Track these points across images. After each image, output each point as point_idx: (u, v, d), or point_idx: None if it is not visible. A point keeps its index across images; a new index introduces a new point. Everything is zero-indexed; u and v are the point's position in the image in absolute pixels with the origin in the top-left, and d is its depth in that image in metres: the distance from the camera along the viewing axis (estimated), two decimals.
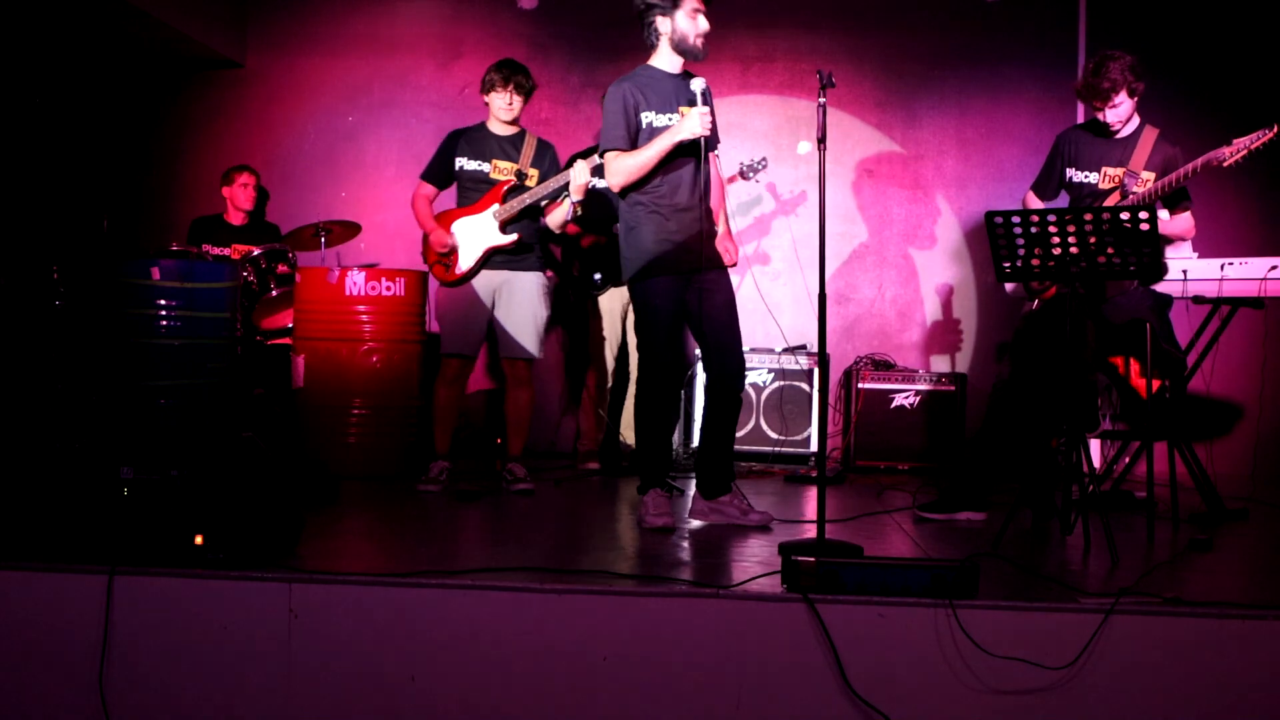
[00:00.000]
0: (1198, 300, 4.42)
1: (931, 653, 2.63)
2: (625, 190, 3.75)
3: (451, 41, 6.29)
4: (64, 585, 2.79)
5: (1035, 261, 3.40)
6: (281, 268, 5.34)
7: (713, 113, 3.84)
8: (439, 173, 4.60)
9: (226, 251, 5.61)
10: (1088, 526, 3.40)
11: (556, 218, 4.57)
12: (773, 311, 5.38)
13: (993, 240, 3.41)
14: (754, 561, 3.17)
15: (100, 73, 6.19)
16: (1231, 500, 4.31)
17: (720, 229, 3.89)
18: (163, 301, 4.15)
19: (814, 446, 5.51)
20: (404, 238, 6.08)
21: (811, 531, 3.42)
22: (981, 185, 6.07)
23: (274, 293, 5.27)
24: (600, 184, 5.27)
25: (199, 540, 2.91)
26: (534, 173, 4.54)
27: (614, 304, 5.31)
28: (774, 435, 5.55)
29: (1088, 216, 3.31)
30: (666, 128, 3.68)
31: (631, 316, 5.32)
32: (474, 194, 4.55)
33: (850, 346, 6.04)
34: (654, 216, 3.72)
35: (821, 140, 3.31)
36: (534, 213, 4.55)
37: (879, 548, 3.43)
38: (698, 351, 5.48)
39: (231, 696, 2.75)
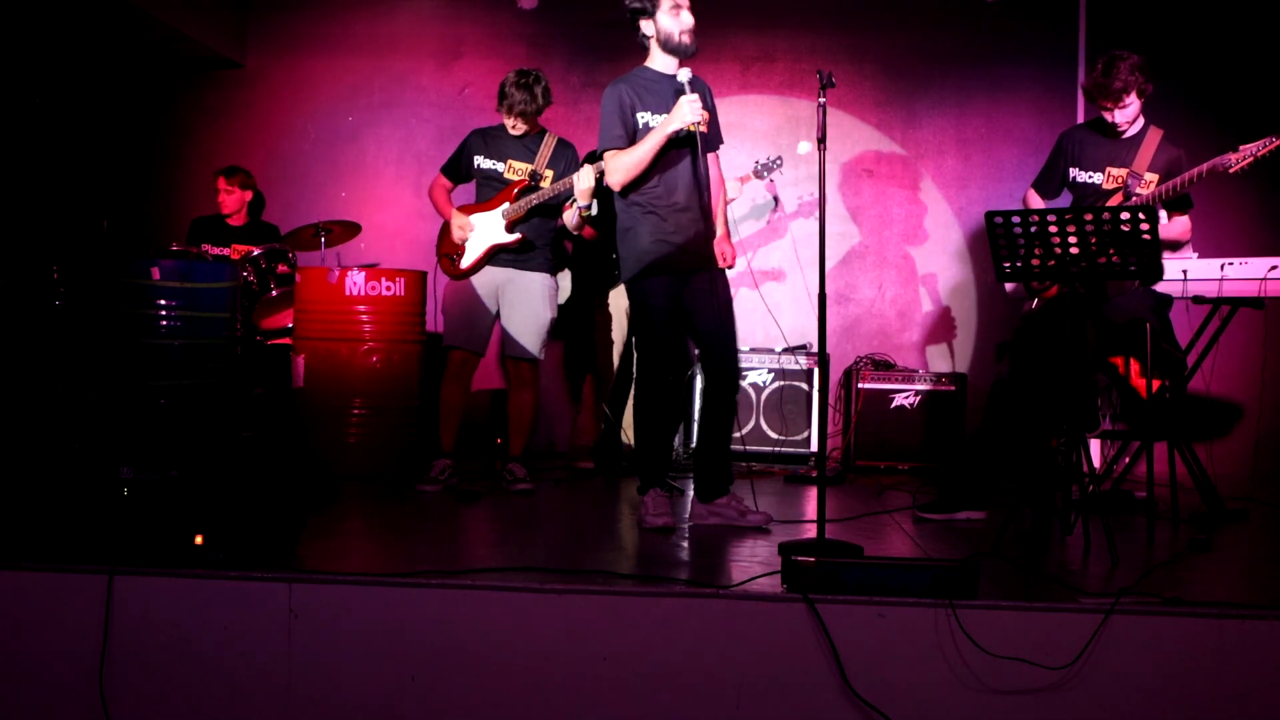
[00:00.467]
0: (1198, 300, 4.42)
1: (931, 653, 2.63)
2: (625, 190, 3.75)
3: (451, 41, 6.29)
4: (64, 585, 2.79)
5: (1035, 261, 3.40)
6: (281, 268, 5.34)
7: (714, 113, 3.84)
8: (456, 168, 4.65)
9: (226, 251, 5.61)
10: (1088, 526, 3.40)
11: (570, 220, 4.58)
12: (773, 311, 5.39)
13: (993, 240, 3.41)
14: (754, 561, 3.17)
15: (100, 73, 6.19)
16: (1231, 500, 4.31)
17: (720, 230, 3.88)
18: (163, 301, 4.15)
19: (814, 446, 5.51)
20: (404, 238, 6.08)
21: (811, 531, 3.42)
22: (981, 185, 6.07)
23: (274, 293, 5.27)
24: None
25: (199, 540, 2.91)
26: (549, 173, 4.55)
27: (621, 302, 5.31)
28: (774, 435, 5.55)
29: (1088, 217, 3.31)
30: None
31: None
32: (489, 192, 4.59)
33: (850, 346, 6.04)
34: (650, 217, 3.72)
35: (821, 140, 3.32)
36: (546, 213, 4.55)
37: (879, 548, 3.43)
38: (697, 352, 5.52)
39: (231, 696, 2.75)
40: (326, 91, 6.36)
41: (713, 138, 3.87)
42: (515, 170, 4.56)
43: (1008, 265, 3.45)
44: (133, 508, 3.83)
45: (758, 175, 5.43)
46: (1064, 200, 4.15)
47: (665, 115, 3.68)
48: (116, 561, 2.79)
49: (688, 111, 3.56)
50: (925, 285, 6.11)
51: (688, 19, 3.68)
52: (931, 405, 5.49)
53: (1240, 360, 5.15)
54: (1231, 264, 4.50)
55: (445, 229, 4.65)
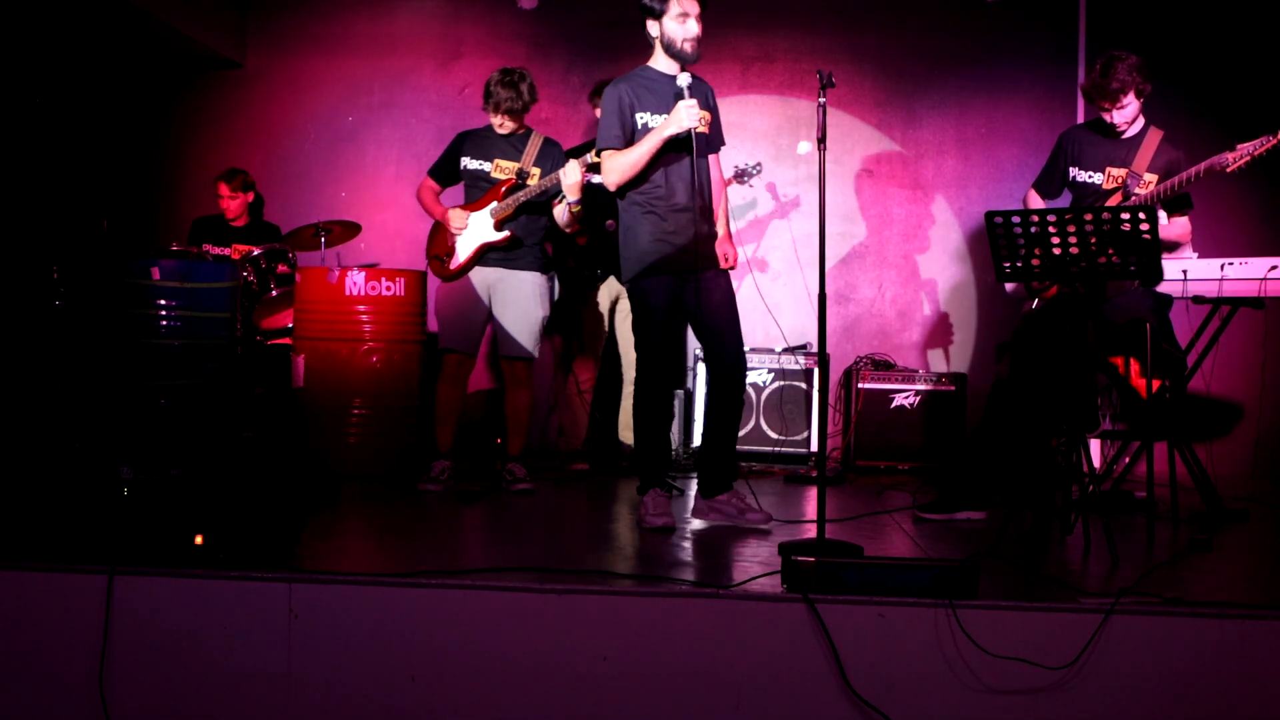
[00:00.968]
0: (1198, 300, 4.42)
1: (931, 653, 2.63)
2: (623, 190, 3.75)
3: (451, 41, 6.29)
4: (64, 585, 2.79)
5: (1035, 261, 3.40)
6: (281, 268, 5.34)
7: (715, 114, 3.84)
8: (444, 170, 4.66)
9: (226, 251, 5.61)
10: (1088, 526, 3.40)
11: (560, 217, 4.58)
12: (773, 311, 5.39)
13: (993, 240, 3.41)
14: (754, 561, 3.17)
15: (100, 73, 6.20)
16: (1231, 500, 4.31)
17: (720, 231, 3.88)
18: (163, 301, 4.15)
19: (814, 446, 5.51)
20: (404, 238, 6.08)
21: (811, 531, 3.42)
22: (981, 185, 6.07)
23: (274, 293, 5.27)
24: (596, 179, 5.29)
25: (199, 540, 2.91)
26: (536, 172, 4.55)
27: (602, 301, 5.32)
28: (774, 435, 5.55)
29: (1088, 217, 3.31)
30: None
31: (619, 313, 5.34)
32: (477, 193, 4.60)
33: (850, 346, 6.04)
34: (650, 217, 3.72)
35: (821, 140, 3.32)
36: (534, 210, 4.56)
37: (879, 548, 3.43)
38: (696, 351, 5.52)
39: (231, 696, 2.75)
40: (326, 91, 6.36)
41: (714, 139, 3.87)
42: (502, 169, 4.56)
43: (1008, 265, 3.45)
44: (133, 508, 3.83)
45: (739, 180, 5.43)
46: (1065, 200, 4.15)
47: (664, 116, 3.68)
48: (116, 561, 2.79)
49: (685, 116, 3.57)
50: (925, 285, 6.11)
51: (693, 28, 3.67)
52: (931, 405, 5.49)
53: (1240, 360, 5.15)
54: (1231, 264, 4.50)
55: (434, 231, 4.66)
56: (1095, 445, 5.24)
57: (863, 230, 6.13)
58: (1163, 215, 3.96)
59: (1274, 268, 4.43)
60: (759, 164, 5.42)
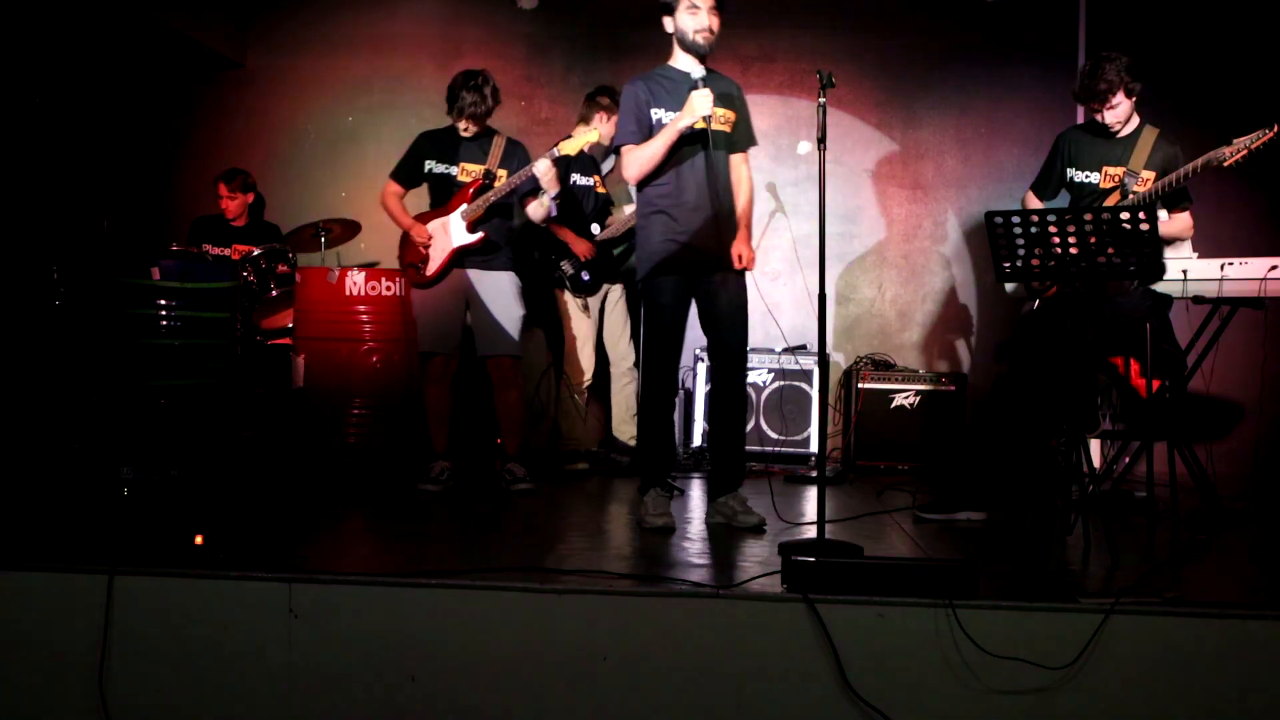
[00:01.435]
0: (1198, 300, 4.42)
1: (931, 653, 2.64)
2: (641, 186, 3.77)
3: (451, 41, 6.29)
4: (64, 585, 2.79)
5: (1035, 261, 3.40)
6: (281, 268, 5.34)
7: (743, 113, 3.82)
8: (407, 173, 4.63)
9: (226, 251, 5.61)
10: (1088, 526, 3.40)
11: (538, 213, 4.59)
12: (773, 311, 5.38)
13: (993, 240, 3.41)
14: (754, 561, 3.17)
15: (100, 73, 6.19)
16: (1231, 500, 4.30)
17: (740, 232, 3.80)
18: (163, 301, 4.15)
19: (814, 446, 5.51)
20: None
21: (811, 531, 3.42)
22: (981, 185, 6.07)
23: (274, 293, 5.27)
24: (583, 182, 5.29)
25: (199, 540, 2.91)
26: (502, 173, 4.56)
27: (593, 302, 5.32)
28: (774, 435, 5.55)
29: (1088, 217, 3.31)
30: None
31: (609, 315, 5.34)
32: (443, 196, 4.59)
33: (850, 346, 6.04)
34: (661, 216, 3.72)
35: (821, 140, 3.32)
36: (504, 212, 4.57)
37: (879, 548, 3.43)
38: (696, 350, 5.52)
39: (231, 696, 2.75)
40: (326, 91, 6.36)
41: (739, 138, 3.84)
42: (468, 173, 4.56)
43: (1008, 265, 3.45)
44: (133, 508, 3.83)
45: None
46: (1062, 201, 4.15)
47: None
48: (116, 561, 2.79)
49: (698, 105, 3.56)
50: (925, 285, 6.11)
51: (704, 20, 3.65)
52: (931, 405, 5.48)
53: (1240, 360, 5.14)
54: (1231, 264, 4.48)
55: (405, 239, 4.63)
56: (1095, 445, 5.24)
57: (863, 230, 6.13)
58: (1163, 213, 3.96)
59: (1274, 268, 4.42)
60: None
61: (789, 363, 5.58)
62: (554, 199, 4.47)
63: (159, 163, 6.40)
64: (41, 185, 5.59)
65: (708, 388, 5.49)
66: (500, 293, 4.56)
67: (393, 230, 6.18)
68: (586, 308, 5.29)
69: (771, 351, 5.61)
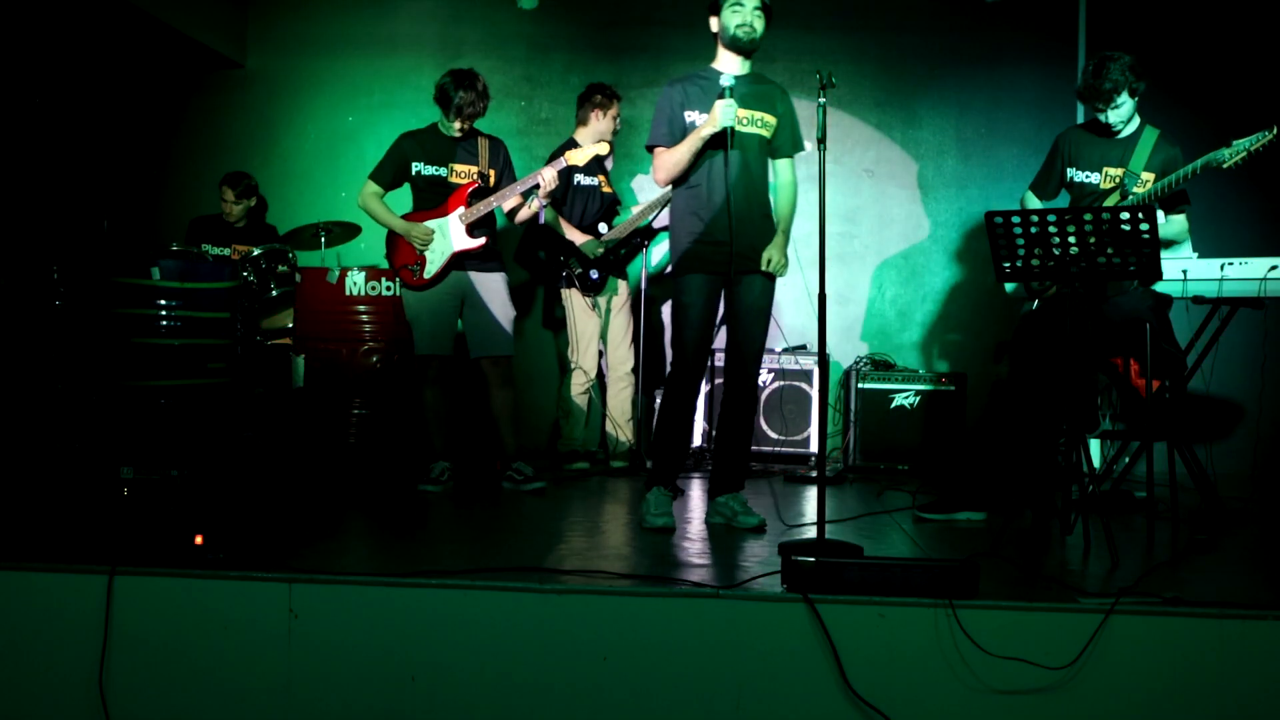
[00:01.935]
0: (1198, 300, 4.42)
1: (931, 653, 2.64)
2: (675, 186, 3.80)
3: (451, 41, 6.29)
4: (64, 585, 2.79)
5: (1035, 261, 3.41)
6: (281, 268, 5.34)
7: (788, 118, 3.81)
8: (389, 174, 4.58)
9: (226, 251, 5.61)
10: (1088, 526, 3.40)
11: (524, 214, 4.59)
12: (773, 311, 5.38)
13: (993, 240, 3.41)
14: (754, 561, 3.17)
15: (100, 73, 6.19)
16: (1231, 500, 4.30)
17: (778, 237, 3.79)
18: (163, 301, 4.15)
19: (814, 446, 5.51)
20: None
21: (811, 532, 3.42)
22: (981, 185, 6.07)
23: (274, 293, 5.27)
24: (587, 182, 5.30)
25: (199, 540, 2.91)
26: (492, 173, 4.55)
27: (600, 301, 5.32)
28: (774, 435, 5.55)
29: (1087, 217, 3.31)
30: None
31: (612, 318, 5.35)
32: (433, 198, 4.55)
33: (850, 346, 6.05)
34: (690, 217, 3.75)
35: (821, 140, 3.32)
36: (493, 213, 4.56)
37: (879, 548, 3.44)
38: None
39: (231, 696, 2.75)
40: (326, 91, 6.36)
41: (782, 143, 3.83)
42: (459, 174, 4.54)
43: (1008, 265, 3.45)
44: (133, 508, 3.84)
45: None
46: (1062, 201, 4.15)
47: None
48: (116, 561, 2.79)
49: (720, 115, 3.57)
50: (925, 285, 6.11)
51: (746, 16, 3.66)
52: (931, 405, 5.49)
53: (1240, 360, 5.15)
54: (1231, 264, 4.49)
55: (396, 240, 4.58)
56: (1095, 445, 5.24)
57: (863, 230, 6.13)
58: (1160, 214, 3.96)
59: (1274, 268, 4.43)
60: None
61: (789, 363, 5.59)
62: (543, 204, 4.48)
63: (159, 163, 6.40)
64: (41, 185, 5.60)
65: (707, 388, 5.49)
66: (495, 293, 4.56)
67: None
68: (595, 306, 5.30)
69: (771, 351, 5.61)
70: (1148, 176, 3.90)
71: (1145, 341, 3.72)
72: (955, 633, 2.62)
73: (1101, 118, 3.95)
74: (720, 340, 4.05)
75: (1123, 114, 3.91)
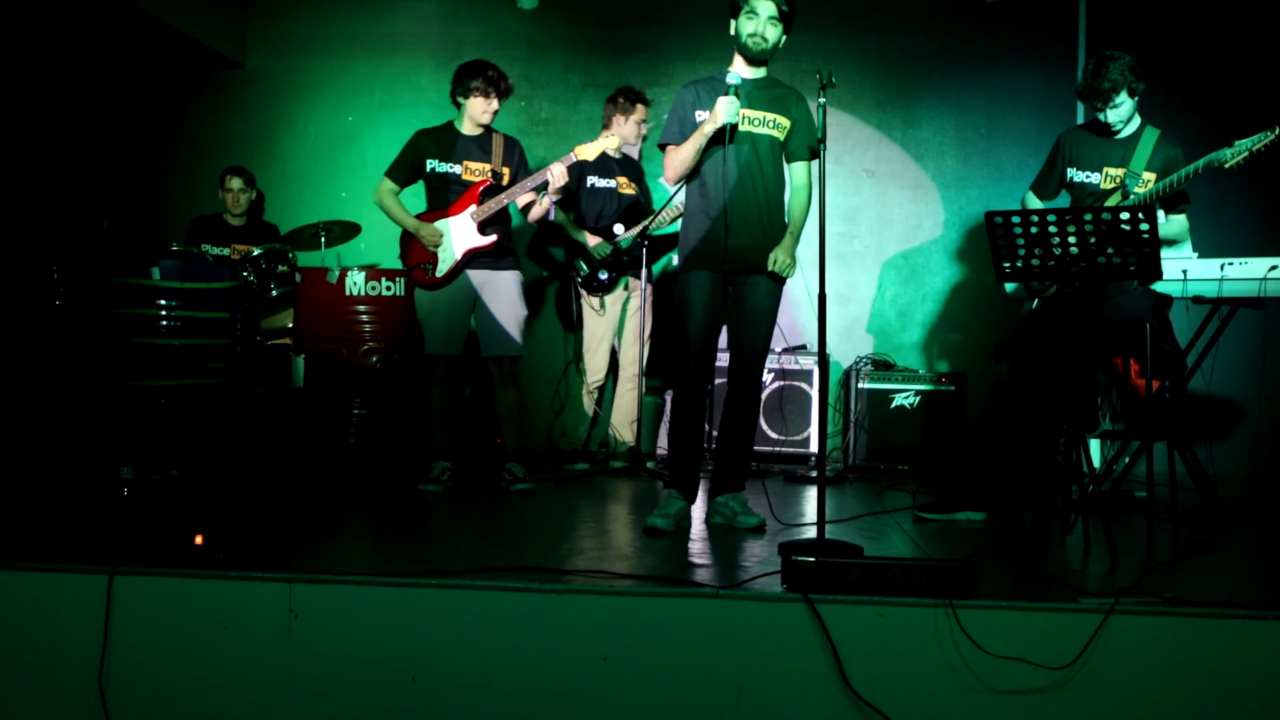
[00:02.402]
0: (1198, 300, 4.42)
1: (931, 653, 2.64)
2: (682, 184, 3.84)
3: (451, 41, 6.29)
4: (64, 585, 2.79)
5: (1035, 261, 3.41)
6: (281, 268, 5.34)
7: (802, 121, 3.79)
8: (404, 171, 4.59)
9: (226, 251, 5.61)
10: (1088, 526, 3.40)
11: (535, 214, 4.59)
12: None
13: (993, 240, 3.41)
14: (754, 561, 3.17)
15: (100, 73, 6.20)
16: (1231, 500, 4.30)
17: (786, 239, 3.77)
18: (163, 301, 4.15)
19: (814, 446, 5.51)
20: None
21: (811, 532, 3.42)
22: (981, 185, 6.07)
23: (274, 293, 5.27)
24: (602, 183, 5.30)
25: (199, 540, 2.91)
26: (506, 171, 4.55)
27: (614, 304, 5.32)
28: (774, 435, 5.55)
29: (1087, 217, 3.31)
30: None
31: (627, 320, 5.35)
32: (446, 196, 4.56)
33: (850, 346, 6.04)
34: (698, 214, 3.77)
35: (821, 140, 3.32)
36: (505, 212, 4.56)
37: (879, 548, 3.44)
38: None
39: (231, 696, 2.75)
40: (326, 91, 6.36)
41: (796, 146, 3.82)
42: (473, 171, 4.54)
43: (1008, 265, 3.45)
44: (133, 508, 3.84)
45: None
46: (1062, 202, 4.15)
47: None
48: (116, 561, 2.79)
49: (721, 113, 3.58)
50: (925, 285, 6.11)
51: (759, 25, 3.66)
52: (931, 405, 5.49)
53: (1240, 360, 5.15)
54: (1231, 264, 4.49)
55: (409, 239, 4.59)
56: (1095, 445, 5.24)
57: (863, 230, 6.13)
58: (1160, 214, 3.96)
59: (1274, 268, 4.43)
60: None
61: (789, 363, 5.59)
62: (554, 201, 4.48)
63: (159, 163, 6.40)
64: (41, 185, 5.60)
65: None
66: (506, 293, 4.55)
67: (393, 230, 6.16)
68: (603, 307, 5.30)
69: (771, 351, 5.60)
70: (1149, 176, 3.90)
71: (1145, 341, 3.72)
72: (955, 633, 2.62)
73: (1101, 117, 3.95)
74: (723, 340, 4.05)
75: (1122, 114, 3.91)
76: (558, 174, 4.34)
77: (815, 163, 3.40)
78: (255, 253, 5.26)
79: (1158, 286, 4.00)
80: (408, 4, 6.34)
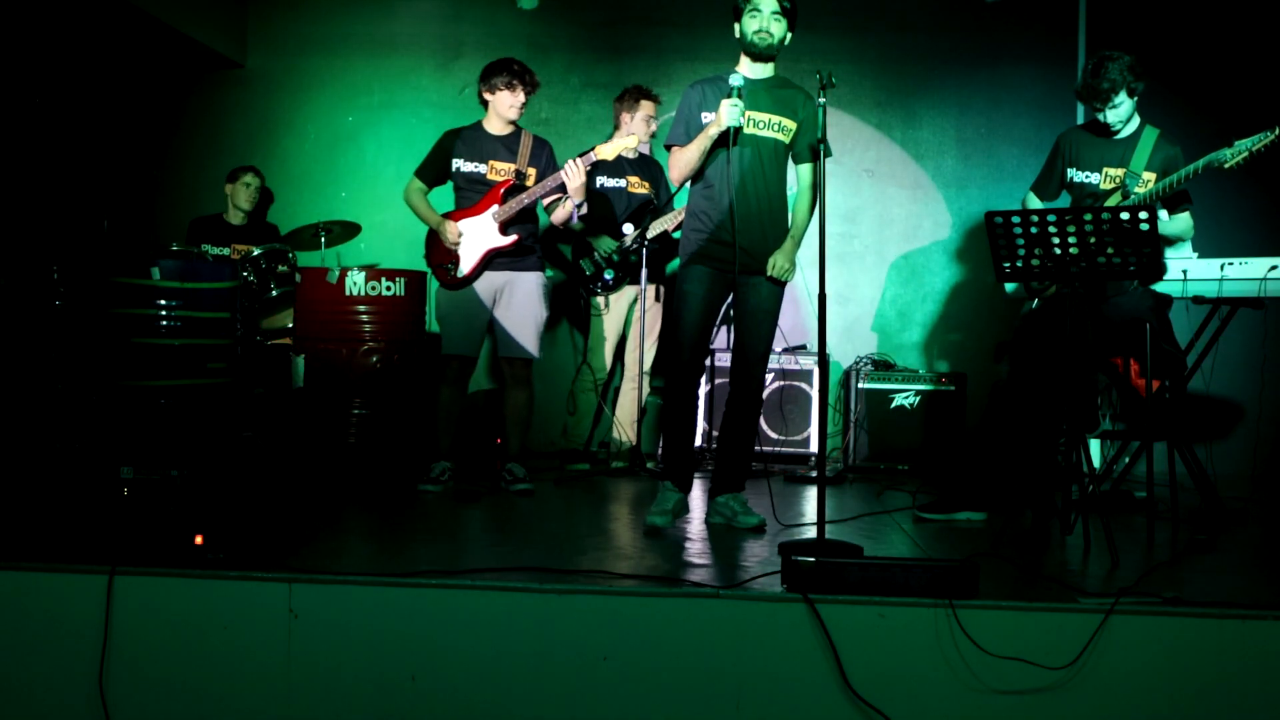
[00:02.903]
0: (1198, 300, 4.43)
1: (931, 653, 2.64)
2: (687, 185, 3.84)
3: (451, 41, 6.29)
4: (64, 585, 2.79)
5: (1035, 261, 3.41)
6: (281, 268, 5.34)
7: (808, 124, 3.77)
8: (433, 170, 4.62)
9: (226, 251, 5.61)
10: (1088, 526, 3.40)
11: (560, 216, 4.59)
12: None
13: (993, 240, 3.41)
14: (754, 561, 3.17)
15: (100, 73, 6.19)
16: (1231, 500, 4.30)
17: (787, 242, 3.77)
18: (163, 301, 4.15)
19: (814, 447, 5.51)
20: (404, 238, 6.07)
21: (811, 532, 3.42)
22: (981, 185, 6.07)
23: (274, 293, 5.27)
24: (612, 183, 5.29)
25: (199, 540, 2.91)
26: (532, 171, 4.54)
27: (621, 303, 5.32)
28: (774, 435, 5.55)
29: (1087, 216, 3.31)
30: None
31: (634, 321, 5.35)
32: (472, 195, 4.56)
33: (850, 346, 6.04)
34: (701, 215, 3.77)
35: (822, 140, 3.32)
36: (530, 212, 4.55)
37: (879, 548, 3.44)
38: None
39: (231, 696, 2.75)
40: (326, 91, 6.36)
41: (801, 148, 3.81)
42: (498, 171, 4.54)
43: (1008, 265, 3.45)
44: (133, 508, 3.84)
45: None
46: (1063, 202, 4.15)
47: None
48: (116, 561, 2.79)
49: (724, 115, 3.58)
50: (925, 285, 6.11)
51: (763, 22, 3.66)
52: (931, 405, 5.48)
53: (1240, 360, 5.15)
54: (1231, 264, 4.50)
55: (432, 237, 4.61)
56: (1095, 445, 5.24)
57: (863, 230, 6.13)
58: (1163, 213, 3.96)
59: (1274, 268, 4.43)
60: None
61: (789, 363, 5.58)
62: (577, 204, 4.46)
63: (159, 163, 6.40)
64: (41, 185, 5.60)
65: (707, 388, 5.49)
66: (526, 295, 4.55)
67: (393, 230, 6.18)
68: (607, 306, 5.30)
69: (771, 351, 5.60)
70: (1148, 176, 3.90)
71: (1145, 341, 3.72)
72: (955, 633, 2.62)
73: (1100, 117, 3.95)
74: (724, 340, 4.05)
75: (1121, 114, 3.91)
76: (571, 173, 4.33)
77: (818, 163, 3.39)
78: (255, 253, 5.26)
79: (1158, 286, 4.00)
80: (408, 4, 6.34)
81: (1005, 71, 6.03)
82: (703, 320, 3.75)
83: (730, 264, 3.68)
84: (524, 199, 4.43)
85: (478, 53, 6.20)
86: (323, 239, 5.42)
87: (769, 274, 3.72)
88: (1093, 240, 3.32)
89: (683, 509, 3.81)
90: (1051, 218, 3.33)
